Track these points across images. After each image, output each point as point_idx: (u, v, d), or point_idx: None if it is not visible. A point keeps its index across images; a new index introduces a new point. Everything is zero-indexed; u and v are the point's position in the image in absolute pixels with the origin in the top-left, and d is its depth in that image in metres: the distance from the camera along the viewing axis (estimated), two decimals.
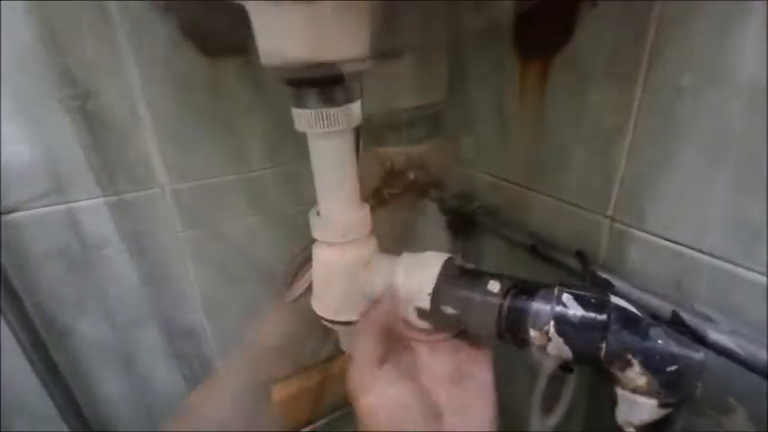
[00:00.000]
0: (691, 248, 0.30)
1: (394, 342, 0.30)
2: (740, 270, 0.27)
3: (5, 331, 0.41)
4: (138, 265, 0.49)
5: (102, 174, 0.44)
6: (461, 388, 0.31)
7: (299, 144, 0.51)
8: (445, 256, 0.34)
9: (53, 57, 0.39)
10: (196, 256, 0.52)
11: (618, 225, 0.34)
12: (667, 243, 0.31)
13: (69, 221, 0.44)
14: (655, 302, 0.30)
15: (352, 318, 0.36)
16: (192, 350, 0.56)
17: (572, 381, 0.41)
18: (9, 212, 0.41)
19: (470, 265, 0.37)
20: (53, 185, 0.42)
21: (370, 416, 0.27)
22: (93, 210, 0.45)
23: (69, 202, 0.43)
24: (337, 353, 0.67)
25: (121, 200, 0.46)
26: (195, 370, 0.57)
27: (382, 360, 0.29)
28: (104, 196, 0.45)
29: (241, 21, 0.29)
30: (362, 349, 0.29)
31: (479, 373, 0.32)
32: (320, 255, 0.36)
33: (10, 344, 0.42)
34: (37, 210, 0.42)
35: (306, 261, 0.57)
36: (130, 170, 0.45)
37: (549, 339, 0.29)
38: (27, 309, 0.42)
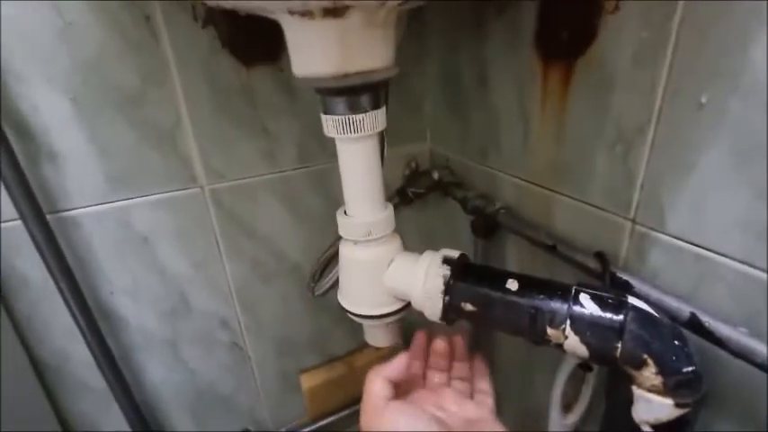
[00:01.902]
0: (712, 252, 0.30)
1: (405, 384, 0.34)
2: (763, 274, 0.27)
3: (68, 317, 0.46)
4: (180, 259, 0.53)
5: (149, 174, 0.48)
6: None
7: (327, 146, 0.54)
8: (458, 252, 0.35)
9: (109, 67, 0.43)
10: (231, 252, 0.56)
11: (639, 227, 0.35)
12: (689, 246, 0.31)
13: (121, 218, 0.48)
14: (673, 304, 0.31)
15: (377, 312, 0.38)
16: (227, 339, 0.60)
17: (591, 379, 0.41)
18: (70, 210, 0.46)
19: (492, 265, 0.38)
20: (108, 186, 0.47)
21: None
22: (141, 207, 0.49)
23: (121, 200, 0.48)
24: (362, 346, 0.70)
25: (165, 198, 0.50)
26: (230, 357, 0.61)
27: (392, 397, 0.32)
28: (151, 195, 0.49)
29: (275, 32, 0.31)
30: (373, 389, 0.33)
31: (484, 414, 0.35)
32: (346, 252, 0.38)
33: (71, 327, 0.47)
34: (93, 207, 0.47)
35: (333, 257, 0.60)
36: (173, 171, 0.49)
37: (566, 337, 0.29)
38: (85, 296, 0.47)
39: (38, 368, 0.50)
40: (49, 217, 0.43)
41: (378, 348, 0.43)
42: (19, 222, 0.42)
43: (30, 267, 0.45)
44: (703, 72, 0.28)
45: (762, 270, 0.27)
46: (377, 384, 0.32)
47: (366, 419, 0.32)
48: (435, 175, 0.59)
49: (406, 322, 0.41)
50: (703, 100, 0.28)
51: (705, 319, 0.28)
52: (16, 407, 0.48)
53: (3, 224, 0.43)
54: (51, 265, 0.44)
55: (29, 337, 0.48)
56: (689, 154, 0.30)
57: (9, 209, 0.41)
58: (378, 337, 0.42)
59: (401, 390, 0.35)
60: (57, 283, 0.45)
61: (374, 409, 0.31)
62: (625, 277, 0.34)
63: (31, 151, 0.42)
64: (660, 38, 0.30)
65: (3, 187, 0.40)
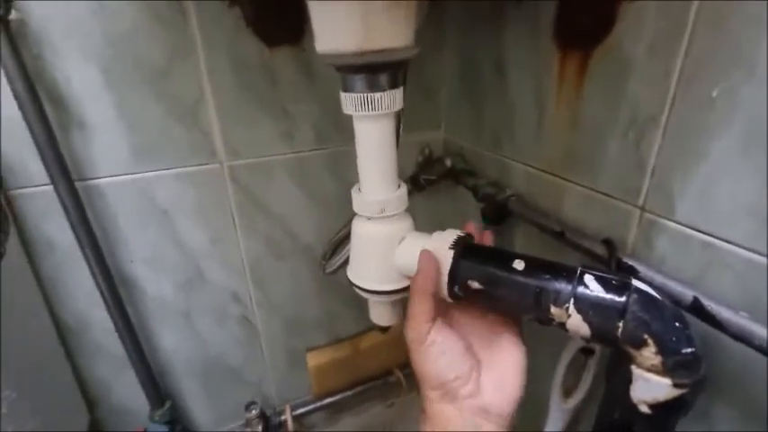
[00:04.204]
0: (720, 239, 0.30)
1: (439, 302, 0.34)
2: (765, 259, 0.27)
3: (90, 282, 0.49)
4: (198, 232, 0.55)
5: (171, 149, 0.50)
6: (493, 345, 0.34)
7: (344, 129, 0.55)
8: (465, 232, 0.36)
9: (140, 42, 0.44)
10: (246, 229, 0.57)
11: (648, 215, 0.35)
12: (697, 233, 0.32)
13: (143, 189, 0.50)
14: (677, 289, 0.31)
15: (384, 288, 0.39)
16: (239, 312, 0.62)
17: (592, 365, 0.42)
18: (96, 178, 0.48)
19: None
20: (132, 157, 0.49)
21: (424, 363, 0.31)
22: (162, 180, 0.51)
23: (144, 172, 0.50)
24: (367, 329, 0.71)
25: (186, 173, 0.52)
26: (240, 331, 0.63)
27: (434, 316, 0.33)
28: (172, 168, 0.51)
29: (299, 12, 0.32)
30: (415, 304, 0.33)
31: (508, 331, 0.35)
32: (358, 228, 0.39)
33: (93, 292, 0.49)
34: (118, 177, 0.49)
35: (344, 239, 0.61)
36: (195, 146, 0.51)
37: (569, 316, 0.30)
38: (107, 264, 0.49)
39: (60, 330, 0.52)
40: (76, 184, 0.45)
41: (383, 332, 0.45)
42: (50, 188, 0.44)
43: (56, 232, 0.48)
44: (718, 61, 0.28)
45: (765, 256, 0.27)
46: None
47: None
48: (448, 163, 0.59)
49: None
50: (716, 89, 0.28)
51: (707, 303, 0.29)
52: (37, 367, 0.50)
53: (34, 189, 0.45)
54: (78, 231, 0.46)
55: (52, 299, 0.51)
56: (700, 142, 0.30)
57: (41, 174, 0.44)
58: (382, 315, 0.43)
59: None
60: (82, 248, 0.47)
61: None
62: (631, 262, 0.35)
63: (63, 120, 0.44)
64: (677, 28, 0.30)
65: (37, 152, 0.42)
